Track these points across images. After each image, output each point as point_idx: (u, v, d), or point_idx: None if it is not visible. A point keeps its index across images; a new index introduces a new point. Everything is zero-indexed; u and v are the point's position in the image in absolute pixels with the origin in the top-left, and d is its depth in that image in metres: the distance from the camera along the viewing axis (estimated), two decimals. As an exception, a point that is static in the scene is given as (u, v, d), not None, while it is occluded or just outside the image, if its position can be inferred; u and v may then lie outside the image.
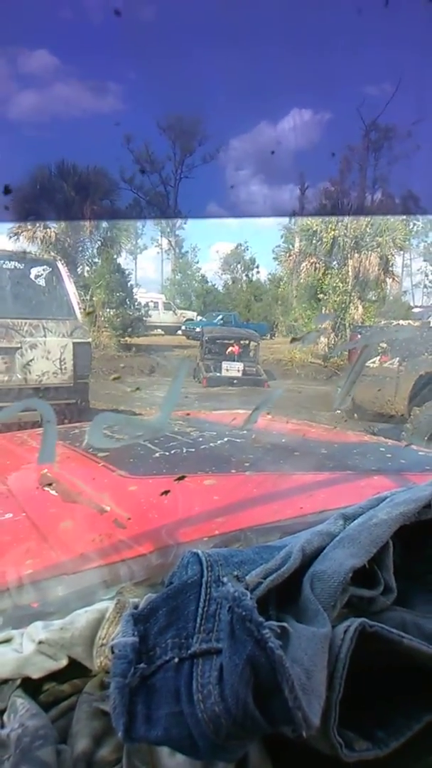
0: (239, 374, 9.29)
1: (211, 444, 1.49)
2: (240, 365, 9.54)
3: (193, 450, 1.41)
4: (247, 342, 10.59)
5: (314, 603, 0.46)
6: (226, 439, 1.56)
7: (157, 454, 1.36)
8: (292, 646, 0.40)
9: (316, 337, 10.66)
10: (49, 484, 1.12)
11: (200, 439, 1.53)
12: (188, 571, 0.48)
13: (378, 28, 0.99)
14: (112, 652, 0.42)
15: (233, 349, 10.17)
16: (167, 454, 1.36)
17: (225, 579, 0.44)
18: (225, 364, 9.51)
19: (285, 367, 10.90)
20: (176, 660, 0.41)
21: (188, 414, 2.02)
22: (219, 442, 1.53)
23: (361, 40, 1.08)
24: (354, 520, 0.57)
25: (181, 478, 1.04)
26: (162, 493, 0.95)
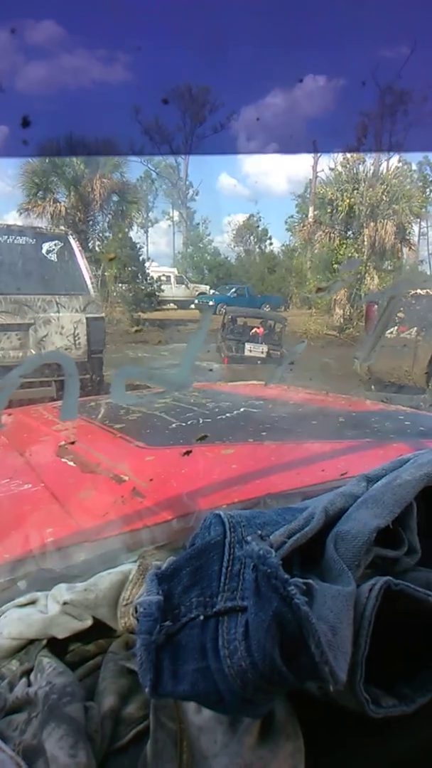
0: (263, 356, 8.92)
1: (228, 414, 1.48)
2: (264, 347, 9.15)
3: (209, 420, 1.41)
4: (272, 324, 10.17)
5: (338, 562, 0.46)
6: (242, 410, 1.56)
7: (173, 425, 1.36)
8: (318, 603, 0.40)
9: (342, 286, 10.44)
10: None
11: (216, 410, 1.52)
12: (211, 532, 0.47)
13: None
14: (137, 611, 0.42)
15: (257, 330, 9.76)
16: (184, 425, 1.35)
17: (249, 538, 0.43)
18: (248, 345, 9.19)
19: (300, 340, 10.77)
20: (201, 618, 0.41)
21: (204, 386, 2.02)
22: (235, 412, 1.52)
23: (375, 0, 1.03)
24: (377, 481, 0.56)
25: (203, 438, 1.04)
26: (184, 454, 0.94)
